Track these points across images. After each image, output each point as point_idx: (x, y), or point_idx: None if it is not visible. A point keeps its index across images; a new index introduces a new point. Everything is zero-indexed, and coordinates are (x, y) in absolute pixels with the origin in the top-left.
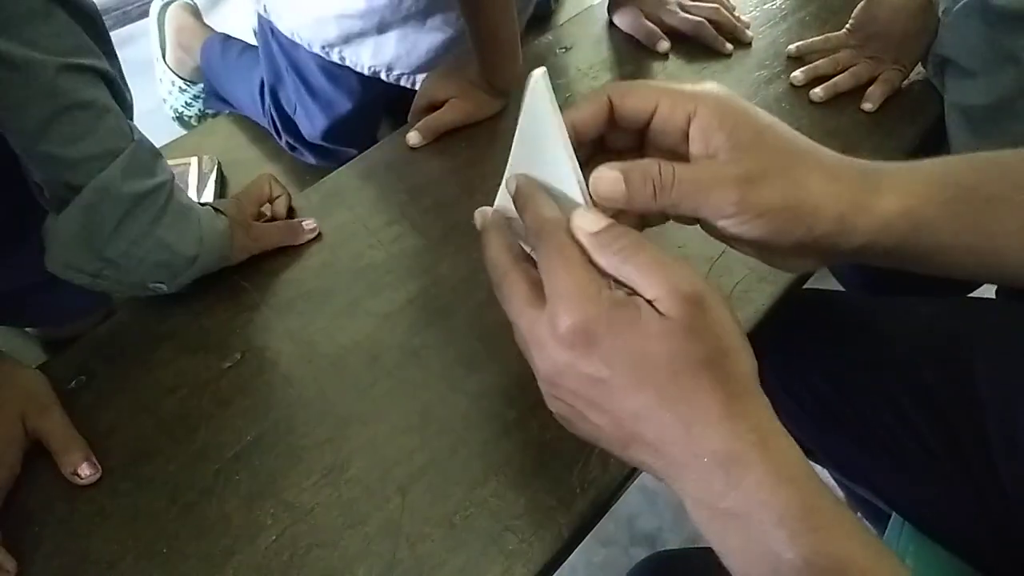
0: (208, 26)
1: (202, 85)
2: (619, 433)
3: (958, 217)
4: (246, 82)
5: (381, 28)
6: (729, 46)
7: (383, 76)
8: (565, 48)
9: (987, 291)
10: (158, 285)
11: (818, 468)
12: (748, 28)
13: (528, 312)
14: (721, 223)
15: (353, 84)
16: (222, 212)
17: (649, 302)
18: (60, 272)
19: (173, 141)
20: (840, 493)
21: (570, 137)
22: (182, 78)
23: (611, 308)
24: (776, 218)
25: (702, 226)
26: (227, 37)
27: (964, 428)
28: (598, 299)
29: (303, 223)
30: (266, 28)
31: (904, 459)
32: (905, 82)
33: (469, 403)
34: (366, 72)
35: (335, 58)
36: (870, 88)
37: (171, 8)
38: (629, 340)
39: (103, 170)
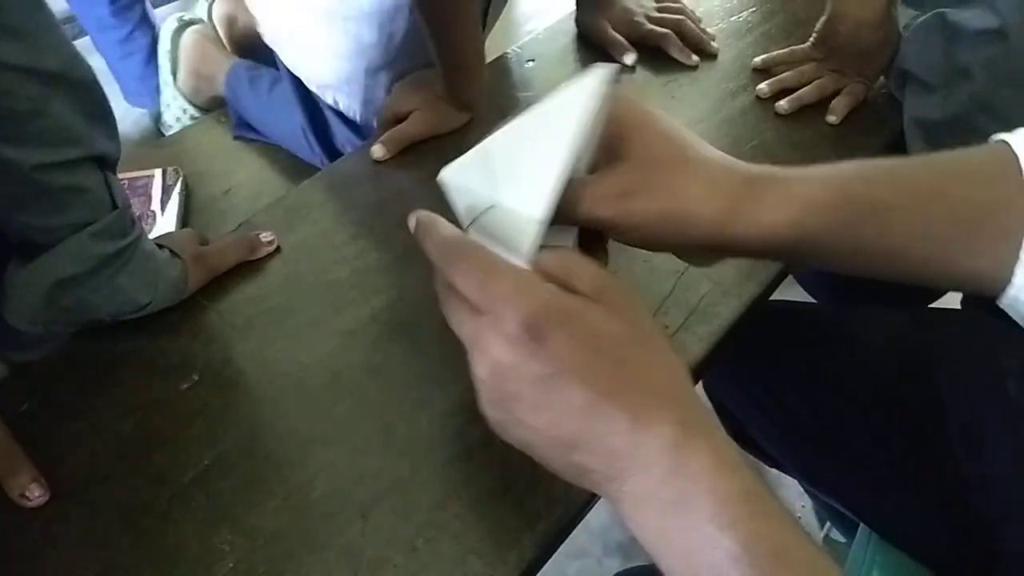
0: (228, 51)
1: (212, 112)
2: (559, 436)
3: (846, 225)
4: (287, 120)
5: (369, 72)
6: (695, 58)
7: (375, 124)
8: (532, 61)
9: (952, 301)
10: (101, 319)
11: (786, 479)
12: (714, 40)
13: (471, 320)
14: (608, 235)
15: None
16: (178, 256)
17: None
18: (21, 326)
19: (138, 151)
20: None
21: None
22: (195, 106)
23: (554, 300)
24: (653, 227)
25: None
26: (253, 66)
27: (930, 439)
28: (539, 293)
29: (260, 236)
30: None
31: (871, 469)
32: (869, 94)
33: (432, 422)
34: (358, 120)
35: (330, 101)
36: (834, 101)
37: (189, 32)
38: (577, 330)
39: (72, 235)
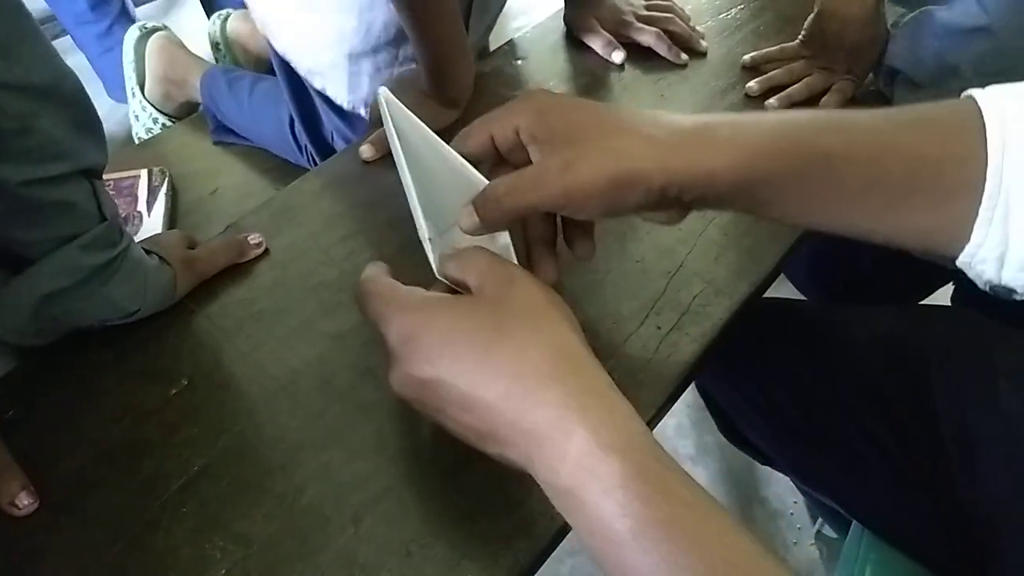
0: (197, 56)
1: (184, 120)
2: (469, 429)
3: (796, 172)
4: (271, 119)
5: (352, 58)
6: (685, 56)
7: (361, 112)
8: (521, 59)
9: (942, 298)
10: (88, 326)
11: (779, 475)
12: (703, 38)
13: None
14: (563, 212)
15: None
16: (166, 261)
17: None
18: (6, 337)
19: (123, 151)
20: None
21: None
22: (166, 114)
23: (421, 308)
24: (604, 193)
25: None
26: (228, 69)
27: (921, 436)
28: (409, 305)
29: (248, 238)
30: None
31: (863, 467)
32: (858, 92)
33: (425, 425)
34: (345, 107)
35: (318, 86)
36: (824, 98)
37: (154, 40)
38: (441, 330)
39: (60, 248)
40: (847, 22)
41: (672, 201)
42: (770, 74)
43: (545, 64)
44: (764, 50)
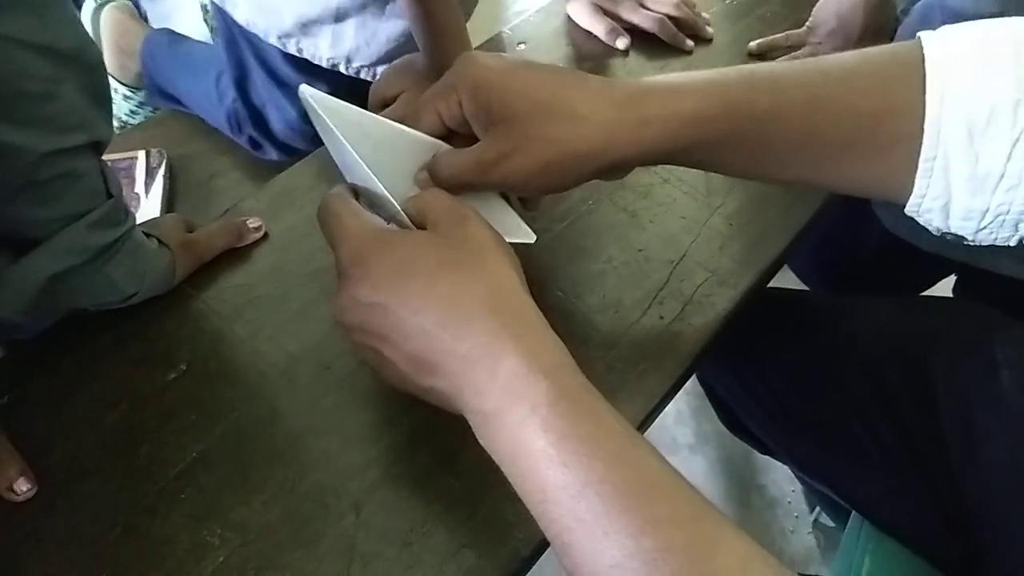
0: (149, 26)
1: (145, 92)
2: (407, 360)
3: (729, 133)
4: (199, 77)
5: (339, 16)
6: (690, 43)
7: (342, 68)
8: (523, 43)
9: (945, 288)
10: (85, 309)
11: (777, 463)
12: (709, 25)
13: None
14: (509, 192)
15: (321, 74)
16: (166, 245)
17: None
18: (6, 316)
19: (118, 135)
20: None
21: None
22: (126, 85)
23: (378, 237)
24: (542, 178)
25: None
26: (172, 32)
27: (921, 427)
28: (365, 231)
29: (247, 222)
30: (225, 18)
31: (862, 457)
32: None
33: (425, 412)
34: (325, 64)
35: (292, 49)
36: None
37: (107, 10)
38: (391, 258)
39: (68, 227)
40: (855, 7)
41: (611, 172)
42: (776, 61)
43: (547, 50)
44: (770, 37)
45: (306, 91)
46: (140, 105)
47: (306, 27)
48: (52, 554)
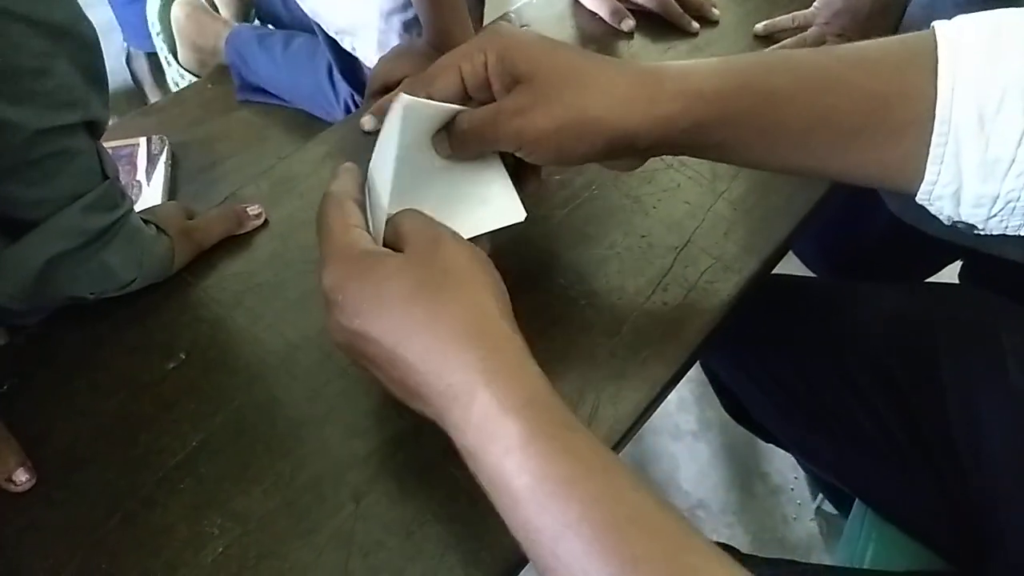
0: (222, 19)
1: (184, 88)
2: (395, 385)
3: (742, 113)
4: (305, 72)
5: (384, 16)
6: (696, 25)
7: None
8: (527, 26)
9: (950, 276)
10: (83, 297)
11: (780, 451)
12: (715, 6)
13: None
14: (518, 153)
15: None
16: (164, 231)
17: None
18: (3, 302)
19: (123, 119)
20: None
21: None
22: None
23: (356, 261)
24: (555, 139)
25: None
26: (257, 27)
27: (926, 415)
28: (346, 254)
29: (247, 209)
30: None
31: (867, 445)
32: None
33: None
34: (371, 67)
35: (347, 47)
36: None
37: (177, 7)
38: (369, 286)
39: (63, 209)
40: None
41: (624, 150)
42: (782, 43)
43: (551, 32)
44: (776, 18)
45: (404, 101)
46: None
47: (355, 28)
48: (51, 544)
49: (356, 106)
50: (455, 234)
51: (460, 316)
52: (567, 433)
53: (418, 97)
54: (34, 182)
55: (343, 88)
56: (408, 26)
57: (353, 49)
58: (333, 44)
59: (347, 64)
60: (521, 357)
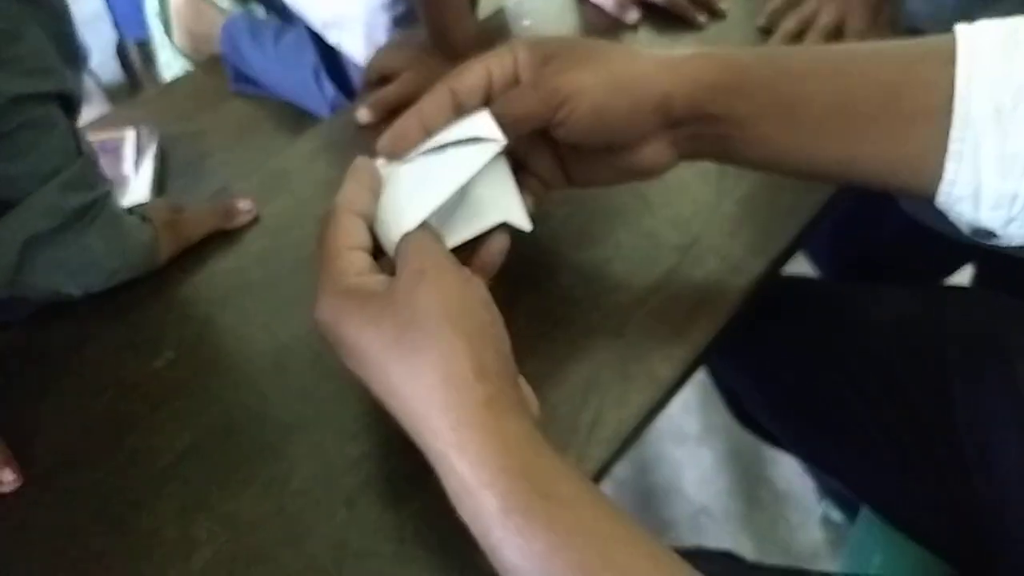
0: (218, 6)
1: (175, 79)
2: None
3: (765, 85)
4: (292, 67)
5: (371, 10)
6: (702, 18)
7: None
8: (529, 19)
9: (962, 279)
10: (69, 292)
11: (785, 456)
12: None
13: None
14: (563, 128)
15: None
16: (149, 220)
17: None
18: None
19: (110, 111)
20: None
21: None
22: (199, 65)
23: (342, 299)
24: (595, 96)
25: (573, 177)
26: (250, 18)
27: (934, 419)
28: (336, 288)
29: (238, 203)
30: None
31: (873, 449)
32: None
33: None
34: (361, 63)
35: (332, 41)
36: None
37: None
38: (350, 330)
39: (40, 188)
40: None
41: (657, 113)
42: (783, 26)
43: (554, 24)
44: (772, 4)
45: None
46: None
47: (342, 20)
48: (37, 546)
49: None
50: (441, 265)
51: (430, 379)
52: (543, 503)
53: (442, 92)
54: (9, 156)
55: (329, 90)
56: (398, 21)
57: (339, 44)
58: (319, 43)
59: (333, 64)
60: (499, 416)
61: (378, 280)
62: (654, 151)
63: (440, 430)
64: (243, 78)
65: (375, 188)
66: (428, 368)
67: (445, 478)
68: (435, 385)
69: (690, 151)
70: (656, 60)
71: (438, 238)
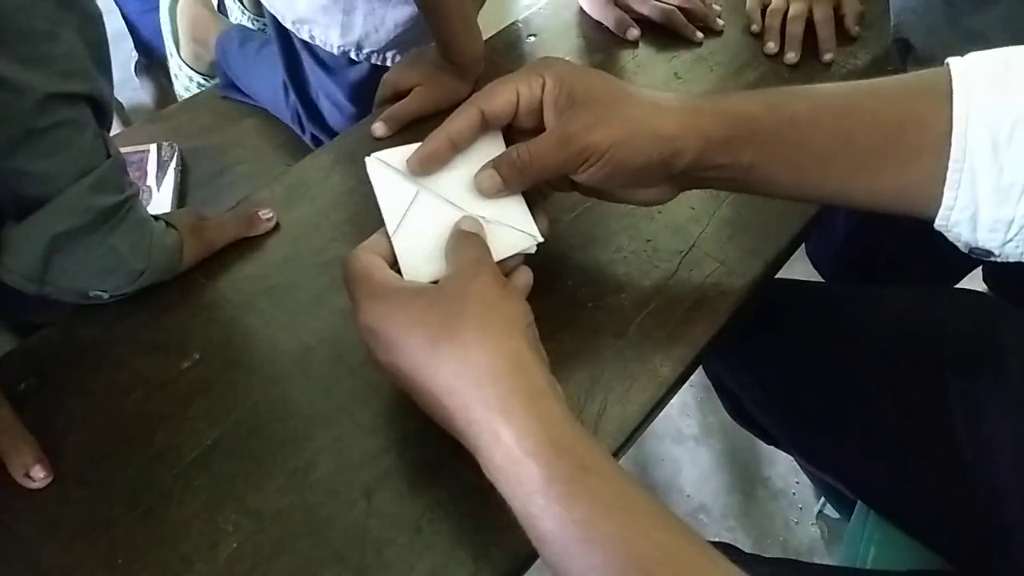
0: (223, 17)
1: (195, 95)
2: (429, 407)
3: (769, 132)
4: (267, 76)
5: (347, 9)
6: (700, 35)
7: (352, 55)
8: (534, 35)
9: (969, 283)
10: (99, 294)
11: (782, 455)
12: (720, 16)
13: None
14: (582, 175)
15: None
16: (173, 226)
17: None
18: (14, 283)
19: (132, 126)
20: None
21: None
22: (200, 73)
23: (387, 299)
24: (617, 152)
25: (579, 190)
26: (244, 29)
27: (930, 417)
28: (375, 293)
29: (259, 212)
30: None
31: (870, 448)
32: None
33: None
34: (335, 52)
35: (305, 36)
36: (820, 38)
37: (183, 1)
38: (398, 324)
39: (70, 186)
40: None
41: (666, 165)
42: (767, 23)
43: (558, 41)
44: (751, 6)
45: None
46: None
47: (317, 14)
48: (70, 539)
49: (301, 120)
50: (495, 270)
51: (482, 354)
52: (583, 475)
53: (472, 113)
54: (42, 154)
55: (293, 99)
56: (372, 9)
57: (312, 37)
58: (285, 53)
59: (296, 75)
60: (541, 396)
61: (415, 285)
62: (657, 191)
63: (488, 400)
64: (232, 85)
65: (387, 253)
66: (478, 347)
67: (488, 450)
68: (485, 361)
69: (692, 187)
70: (676, 107)
71: (484, 241)
